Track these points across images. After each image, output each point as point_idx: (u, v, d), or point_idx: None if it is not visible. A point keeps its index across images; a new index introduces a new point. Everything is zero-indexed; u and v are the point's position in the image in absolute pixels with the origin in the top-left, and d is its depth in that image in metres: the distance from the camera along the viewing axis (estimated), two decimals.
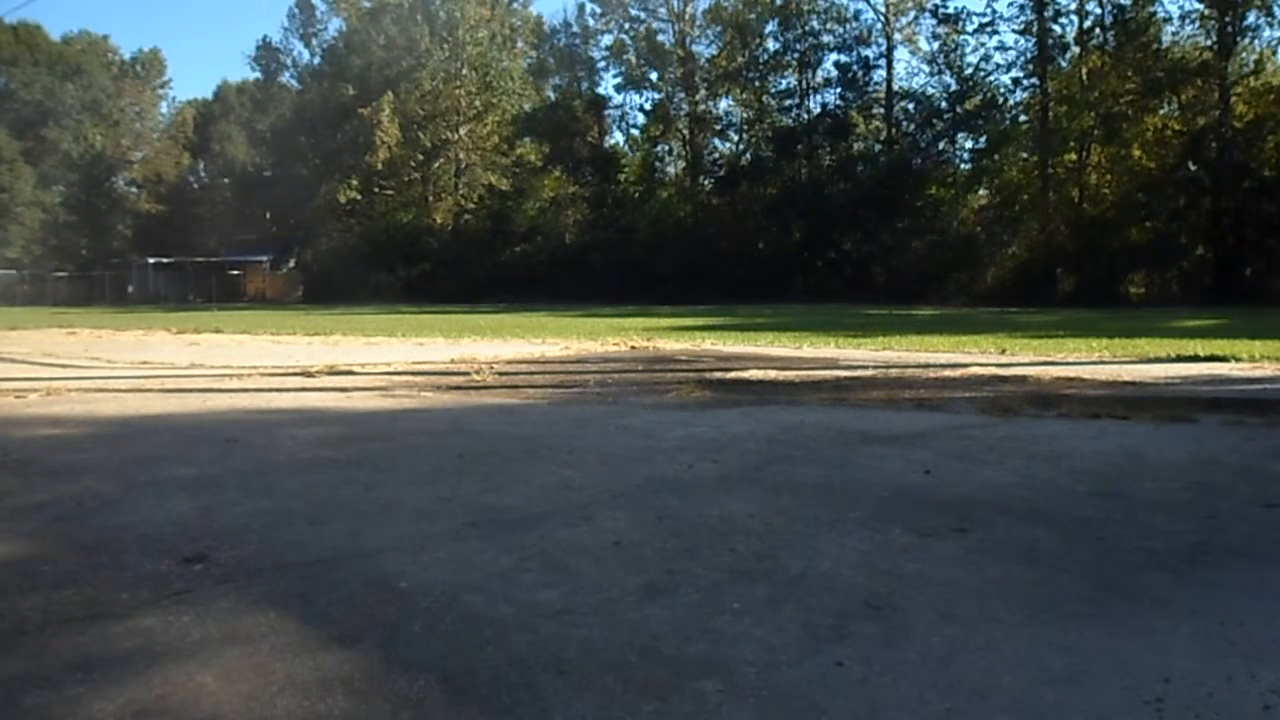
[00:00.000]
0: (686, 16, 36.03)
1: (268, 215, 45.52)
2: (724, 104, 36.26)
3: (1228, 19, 25.81)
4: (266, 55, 47.21)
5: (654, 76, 36.61)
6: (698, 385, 4.64)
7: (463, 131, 37.35)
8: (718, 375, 5.19)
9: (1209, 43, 26.59)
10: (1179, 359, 5.84)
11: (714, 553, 1.87)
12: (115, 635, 1.47)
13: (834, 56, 34.04)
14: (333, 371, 5.59)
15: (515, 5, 39.92)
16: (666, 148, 37.92)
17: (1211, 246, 25.70)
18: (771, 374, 5.16)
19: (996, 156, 29.97)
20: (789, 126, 34.24)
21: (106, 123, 48.81)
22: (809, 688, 1.27)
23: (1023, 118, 30.05)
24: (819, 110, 34.36)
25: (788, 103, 34.99)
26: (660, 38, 36.24)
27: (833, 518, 2.12)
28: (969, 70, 30.89)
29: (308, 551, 1.90)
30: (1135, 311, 18.70)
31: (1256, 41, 26.57)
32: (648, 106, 37.31)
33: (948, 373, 5.19)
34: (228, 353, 7.49)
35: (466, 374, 5.30)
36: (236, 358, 6.85)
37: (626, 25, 36.76)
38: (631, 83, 37.17)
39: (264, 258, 42.77)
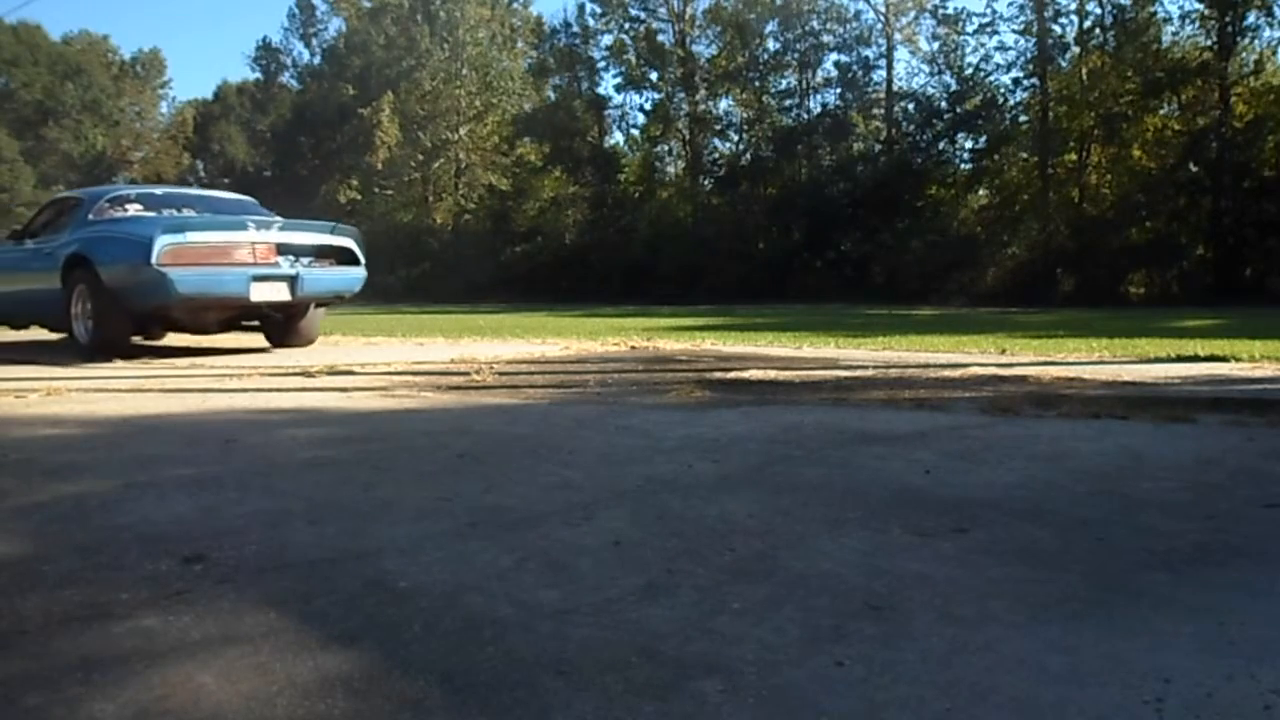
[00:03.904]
0: (686, 16, 36.03)
1: None
2: (724, 104, 36.29)
3: (1228, 19, 25.81)
4: (266, 55, 47.26)
5: (654, 76, 36.61)
6: (698, 385, 4.64)
7: (463, 131, 37.37)
8: (718, 375, 5.19)
9: (1209, 43, 26.60)
10: (1179, 359, 5.83)
11: (714, 553, 1.87)
12: (115, 635, 1.47)
13: (834, 56, 34.13)
14: (332, 371, 5.59)
15: (515, 5, 39.95)
16: (666, 148, 37.94)
17: (1211, 246, 25.71)
18: (771, 374, 5.16)
19: (996, 156, 29.99)
20: (789, 126, 34.26)
21: (106, 123, 48.87)
22: (809, 688, 1.26)
23: (1023, 118, 30.07)
24: (819, 110, 34.40)
25: (788, 103, 35.02)
26: (660, 38, 36.26)
27: (833, 518, 2.12)
28: (969, 70, 30.92)
29: (308, 551, 1.90)
30: (1135, 311, 18.70)
31: (1256, 41, 26.58)
32: (648, 106, 37.34)
33: (948, 373, 5.19)
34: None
35: (466, 374, 5.29)
36: (236, 357, 6.85)
37: (626, 25, 36.77)
38: (631, 83, 37.20)
39: None
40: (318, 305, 7.68)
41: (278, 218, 7.27)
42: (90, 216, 7.14)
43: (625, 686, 1.27)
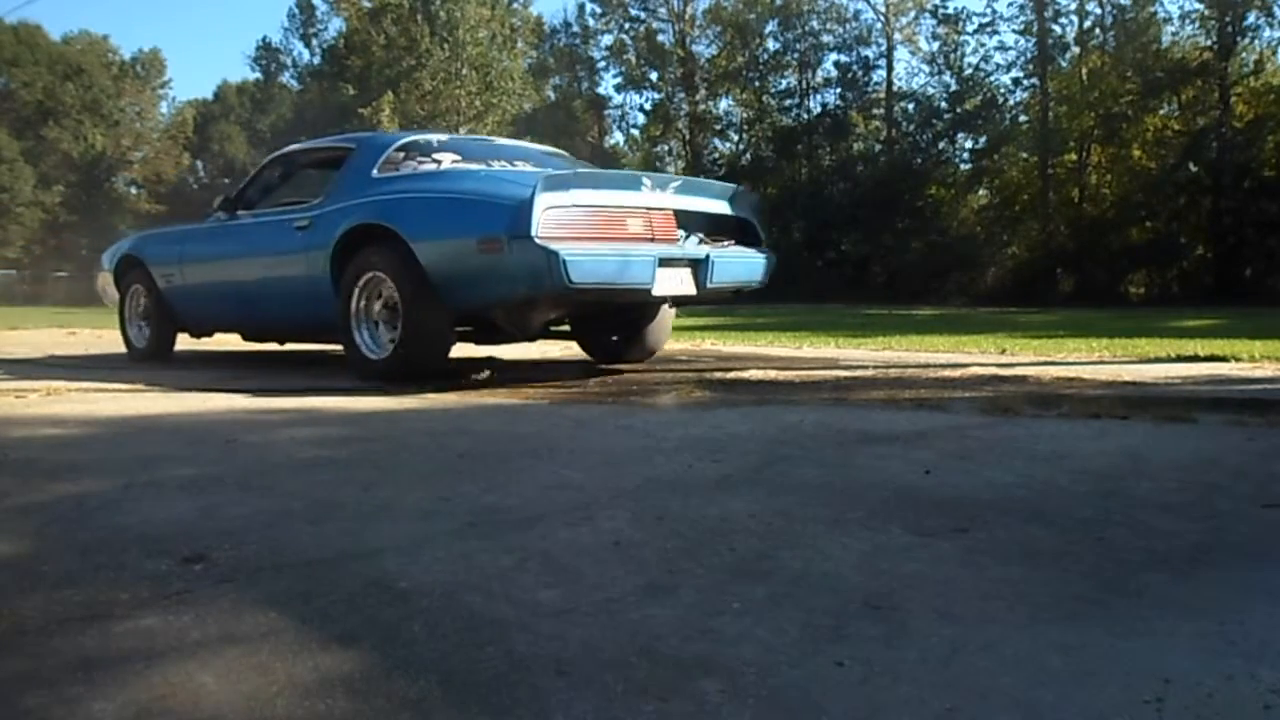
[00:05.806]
0: (686, 16, 36.07)
1: None
2: (724, 104, 36.36)
3: (1228, 19, 25.84)
4: (266, 55, 47.29)
5: (654, 76, 36.67)
6: (698, 385, 4.64)
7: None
8: (718, 375, 5.19)
9: (1209, 43, 26.63)
10: (1179, 359, 5.83)
11: (714, 553, 1.87)
12: (115, 635, 1.47)
13: (834, 56, 34.22)
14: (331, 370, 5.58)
15: (515, 5, 39.91)
16: (666, 148, 37.99)
17: (1211, 246, 25.73)
18: (772, 374, 5.16)
19: (996, 156, 30.02)
20: (789, 126, 34.32)
21: (106, 123, 48.84)
22: (809, 688, 1.26)
23: (1023, 118, 30.10)
24: (819, 110, 34.45)
25: (788, 103, 35.08)
26: (660, 38, 36.33)
27: (833, 518, 2.12)
28: (969, 70, 30.97)
29: (308, 551, 1.90)
30: (1135, 311, 18.70)
31: (1256, 41, 26.64)
32: (648, 106, 37.39)
33: (948, 373, 5.19)
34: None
35: (467, 374, 5.29)
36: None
37: (626, 25, 36.85)
38: (631, 83, 37.29)
39: None
40: (674, 305, 5.50)
41: (669, 175, 5.26)
42: (376, 173, 4.92)
43: (625, 686, 1.27)
